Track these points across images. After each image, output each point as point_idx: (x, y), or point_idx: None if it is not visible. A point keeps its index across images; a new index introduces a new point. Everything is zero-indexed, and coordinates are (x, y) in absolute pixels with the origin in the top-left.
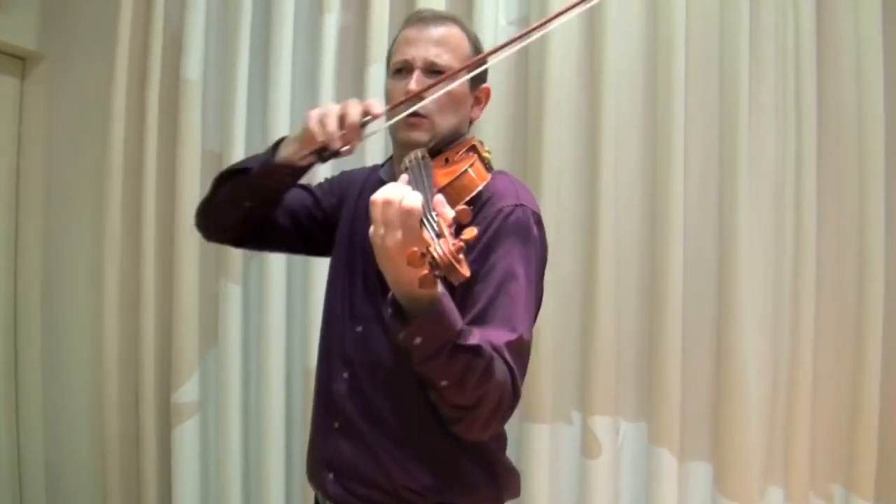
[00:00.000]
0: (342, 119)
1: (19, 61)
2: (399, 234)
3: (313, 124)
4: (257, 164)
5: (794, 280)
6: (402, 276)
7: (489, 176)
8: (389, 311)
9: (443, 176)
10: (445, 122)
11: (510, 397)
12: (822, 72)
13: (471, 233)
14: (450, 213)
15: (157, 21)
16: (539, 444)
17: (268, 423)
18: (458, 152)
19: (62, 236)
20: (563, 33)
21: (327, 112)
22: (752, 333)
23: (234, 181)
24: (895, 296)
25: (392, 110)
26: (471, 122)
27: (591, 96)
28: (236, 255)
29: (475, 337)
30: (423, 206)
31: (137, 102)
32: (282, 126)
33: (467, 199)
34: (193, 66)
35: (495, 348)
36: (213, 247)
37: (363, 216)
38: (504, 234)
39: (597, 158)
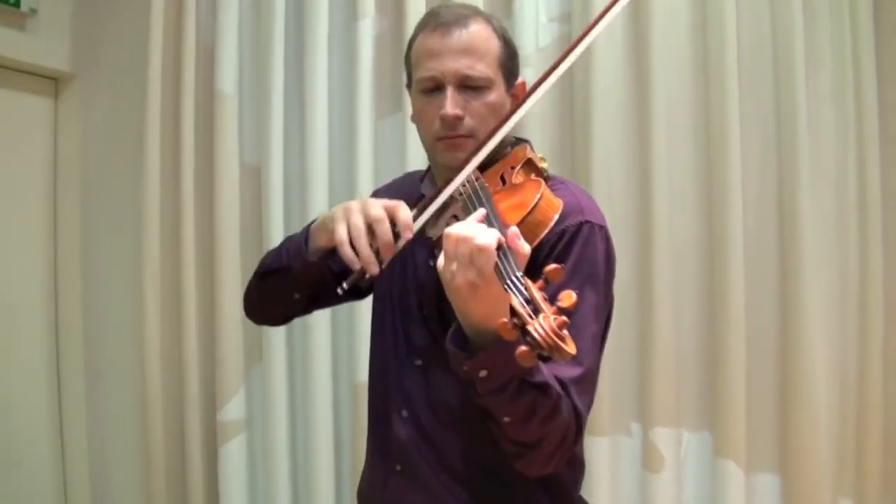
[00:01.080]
0: (373, 235)
1: (52, 82)
2: (470, 275)
3: (346, 250)
4: (295, 261)
5: (860, 281)
6: (473, 313)
7: (561, 204)
8: (452, 339)
9: (509, 207)
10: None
11: (573, 435)
12: (881, 55)
13: (569, 299)
14: (526, 247)
15: (189, 35)
16: (598, 458)
17: (315, 441)
18: (513, 167)
19: (100, 255)
20: (608, 25)
21: (356, 234)
22: (819, 337)
23: (275, 277)
24: None
25: (422, 212)
26: None
27: (639, 90)
28: None
29: (543, 373)
30: (501, 249)
31: (172, 118)
32: (320, 136)
33: (542, 236)
34: (228, 79)
35: (561, 383)
36: (254, 262)
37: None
38: (569, 256)
39: (648, 158)
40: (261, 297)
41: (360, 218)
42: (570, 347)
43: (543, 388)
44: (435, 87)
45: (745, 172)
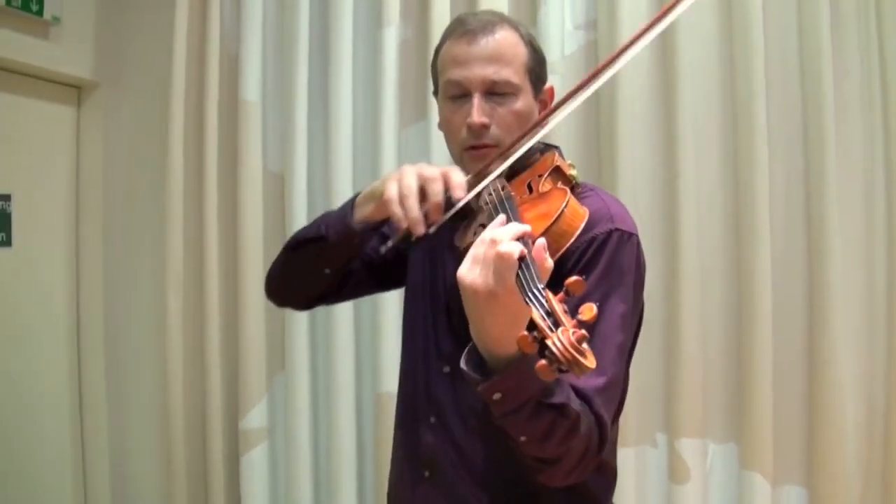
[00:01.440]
0: (423, 197)
1: (75, 90)
2: (490, 280)
3: (395, 207)
4: (334, 230)
5: (889, 294)
6: (490, 327)
7: (587, 213)
8: (467, 360)
9: (534, 216)
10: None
11: (596, 448)
12: None
13: (590, 312)
14: (549, 261)
15: (214, 42)
16: (623, 469)
17: (338, 450)
18: (540, 175)
19: (123, 263)
20: (635, 32)
21: (406, 192)
22: (847, 348)
23: (308, 249)
24: None
25: (476, 177)
26: None
27: (665, 100)
28: None
29: (562, 392)
30: (523, 259)
31: (196, 126)
32: (344, 145)
33: (567, 245)
34: (252, 87)
35: (583, 396)
36: None
37: (442, 244)
38: (597, 264)
39: (675, 165)
40: (287, 270)
41: (412, 177)
42: (590, 361)
43: (561, 408)
44: (461, 95)
45: (773, 183)
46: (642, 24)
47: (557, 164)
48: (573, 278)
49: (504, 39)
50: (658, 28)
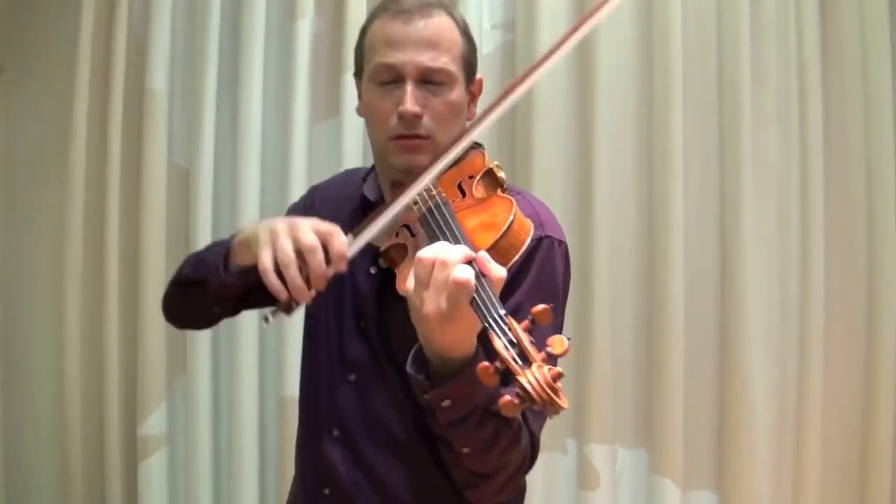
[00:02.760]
0: (304, 265)
1: None
2: (444, 305)
3: (272, 279)
4: (213, 277)
5: (801, 299)
6: (441, 342)
7: (532, 227)
8: (413, 364)
9: (478, 226)
10: (448, 139)
11: (528, 464)
12: (827, 76)
13: (561, 346)
14: (497, 269)
15: (121, 28)
16: (533, 476)
17: (240, 458)
18: (471, 177)
19: (20, 257)
20: (553, 34)
21: (285, 261)
22: (758, 355)
23: (193, 290)
24: None
25: (359, 235)
26: (468, 121)
27: (582, 102)
28: None
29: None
30: (478, 279)
31: (100, 114)
32: (253, 140)
33: (513, 261)
34: (159, 76)
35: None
36: None
37: None
38: (527, 274)
39: (589, 170)
40: (180, 305)
41: (288, 243)
42: (564, 402)
43: (506, 418)
44: (392, 80)
45: (687, 189)
46: (567, 24)
47: (489, 166)
48: (540, 307)
49: (442, 24)
50: (593, 21)
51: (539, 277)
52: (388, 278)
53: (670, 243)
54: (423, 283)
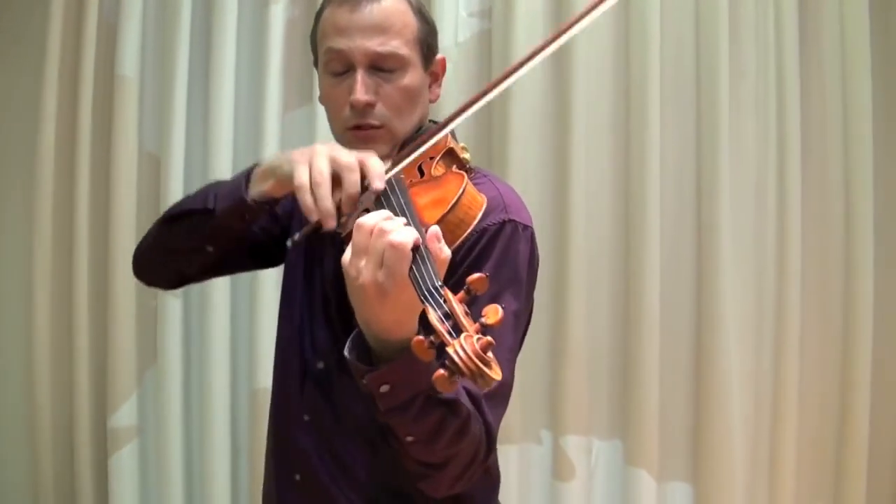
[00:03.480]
0: (336, 185)
1: None
2: (380, 275)
3: (306, 196)
4: (224, 204)
5: (778, 291)
6: (379, 320)
7: (485, 201)
8: (351, 348)
9: (428, 202)
10: (405, 125)
11: (484, 454)
12: (805, 66)
13: (495, 315)
14: (446, 250)
15: (91, 12)
16: (507, 467)
17: (211, 449)
18: (432, 157)
19: None
20: (530, 22)
21: (319, 180)
22: (734, 347)
23: (191, 222)
24: (884, 307)
25: (395, 165)
26: (431, 103)
27: (559, 91)
28: None
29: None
30: (418, 250)
31: (69, 100)
32: (225, 127)
33: (463, 236)
34: (129, 62)
35: (473, 398)
36: None
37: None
38: (489, 258)
39: (566, 160)
40: (162, 244)
41: (325, 162)
42: (495, 373)
43: (452, 404)
44: (344, 69)
45: (664, 179)
46: (544, 14)
47: (450, 146)
48: (476, 275)
49: (390, 7)
50: (573, 31)
51: (501, 262)
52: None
53: (646, 234)
54: (359, 252)
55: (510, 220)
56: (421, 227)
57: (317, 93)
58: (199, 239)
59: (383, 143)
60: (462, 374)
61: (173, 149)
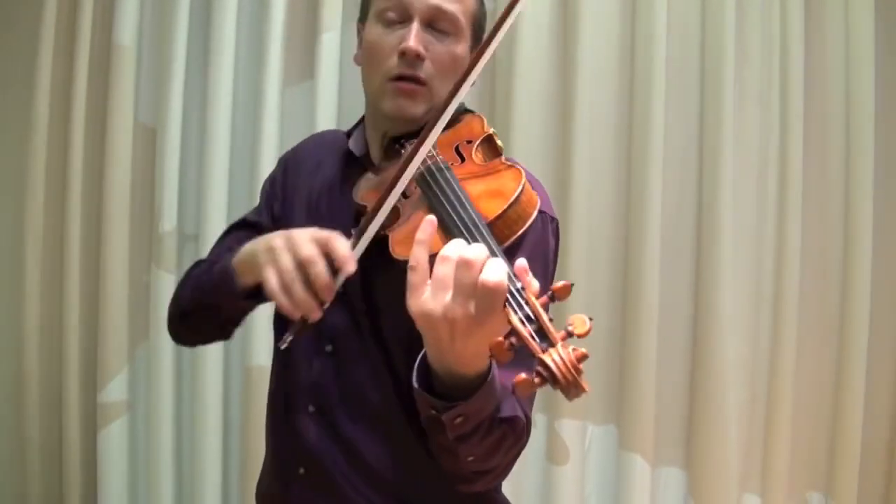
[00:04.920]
0: (308, 282)
1: None
2: (472, 308)
3: (282, 300)
4: (227, 302)
5: (776, 281)
6: (462, 352)
7: (538, 199)
8: (420, 379)
9: (484, 193)
10: (443, 92)
11: (523, 448)
12: (810, 60)
13: (583, 325)
14: (535, 283)
15: None
16: None
17: (203, 427)
18: (469, 141)
19: None
20: (535, 14)
21: (289, 281)
22: (731, 335)
23: (204, 318)
24: (881, 299)
25: (360, 236)
26: None
27: (563, 77)
28: (170, 240)
29: (508, 400)
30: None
31: (65, 69)
32: (223, 101)
33: (519, 233)
34: (127, 31)
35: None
36: (145, 232)
37: (326, 200)
38: (520, 248)
39: (569, 148)
40: (190, 332)
41: (288, 260)
42: (586, 384)
43: (512, 421)
44: (398, 20)
45: (667, 169)
46: None
47: (489, 131)
48: (560, 283)
49: None
50: None
51: (532, 252)
52: (375, 244)
53: (647, 223)
54: (443, 286)
55: (541, 212)
56: (482, 218)
57: (320, 67)
58: (218, 324)
59: (423, 101)
60: (556, 382)
61: (170, 121)
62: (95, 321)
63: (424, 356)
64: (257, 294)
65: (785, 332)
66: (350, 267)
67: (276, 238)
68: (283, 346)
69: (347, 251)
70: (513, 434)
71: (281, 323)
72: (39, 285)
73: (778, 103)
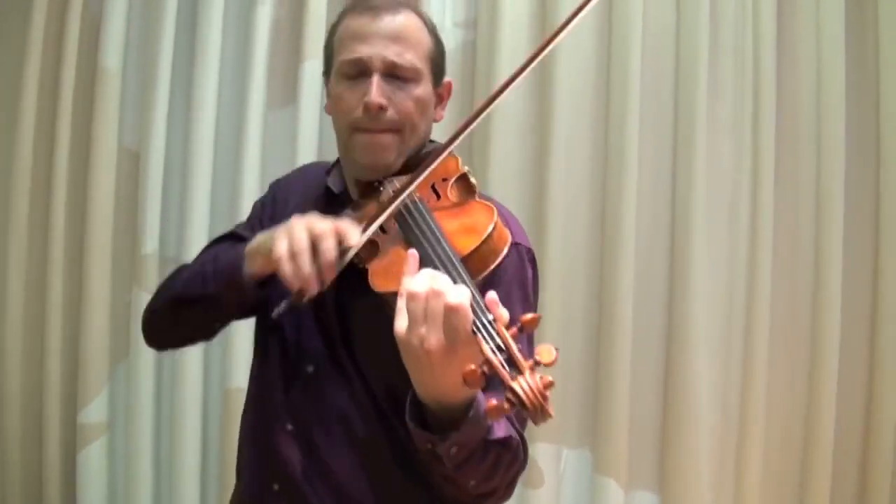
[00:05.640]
0: (316, 255)
1: None
2: (445, 337)
3: (285, 266)
4: (228, 290)
5: (748, 305)
6: (443, 382)
7: (510, 235)
8: (413, 415)
9: (458, 230)
10: (413, 136)
11: (522, 468)
12: (782, 90)
13: (549, 355)
14: (505, 314)
15: (75, 2)
16: None
17: (182, 448)
18: (445, 179)
19: None
20: (514, 33)
21: (297, 249)
22: (703, 359)
23: (197, 307)
24: (851, 323)
25: (369, 226)
26: (435, 122)
27: (540, 107)
28: (151, 262)
29: (502, 424)
30: (471, 300)
31: (50, 92)
32: (206, 125)
33: (492, 267)
34: (113, 54)
35: (510, 420)
36: (126, 252)
37: None
38: (500, 282)
39: (544, 173)
40: (174, 324)
41: (303, 233)
42: (552, 409)
43: (505, 442)
44: (359, 74)
45: (640, 196)
46: (529, 25)
47: (463, 171)
48: (529, 316)
49: (409, 22)
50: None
51: (512, 283)
52: (351, 274)
53: (621, 246)
54: (418, 319)
55: (515, 244)
56: (456, 254)
57: (302, 93)
58: (209, 319)
59: (391, 148)
60: (525, 408)
61: (153, 145)
62: (77, 342)
63: (415, 393)
64: (261, 285)
65: (757, 356)
66: (353, 239)
67: (295, 219)
68: (275, 315)
69: (358, 234)
70: (508, 453)
71: (263, 339)
72: (22, 306)
73: (750, 133)
